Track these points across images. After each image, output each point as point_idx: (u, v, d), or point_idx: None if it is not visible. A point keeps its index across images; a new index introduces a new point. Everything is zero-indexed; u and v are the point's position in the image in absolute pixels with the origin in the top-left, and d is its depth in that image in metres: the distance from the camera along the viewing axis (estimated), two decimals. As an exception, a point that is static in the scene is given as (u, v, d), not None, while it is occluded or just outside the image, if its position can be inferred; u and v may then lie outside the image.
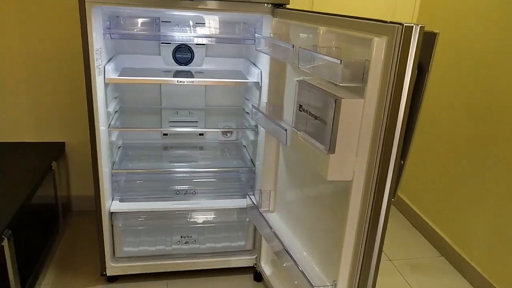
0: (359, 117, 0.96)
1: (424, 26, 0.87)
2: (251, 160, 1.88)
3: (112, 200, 1.71)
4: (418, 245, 2.17)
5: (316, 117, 1.04)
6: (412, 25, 0.86)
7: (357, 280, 1.07)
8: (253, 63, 1.80)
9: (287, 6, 1.44)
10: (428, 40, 0.89)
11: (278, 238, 1.39)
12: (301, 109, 1.11)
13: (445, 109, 2.07)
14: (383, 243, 1.03)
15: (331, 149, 0.98)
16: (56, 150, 2.00)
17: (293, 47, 1.14)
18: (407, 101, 0.92)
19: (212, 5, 1.43)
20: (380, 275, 1.91)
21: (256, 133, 1.76)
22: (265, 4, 1.45)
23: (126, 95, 1.95)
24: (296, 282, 1.20)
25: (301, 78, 1.18)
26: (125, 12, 1.65)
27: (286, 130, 1.20)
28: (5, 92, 1.98)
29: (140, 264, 1.73)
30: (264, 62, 1.60)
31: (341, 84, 0.94)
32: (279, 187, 1.59)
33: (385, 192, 0.99)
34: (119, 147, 1.94)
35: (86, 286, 1.71)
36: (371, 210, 1.00)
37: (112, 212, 1.66)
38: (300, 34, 1.27)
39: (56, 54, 1.95)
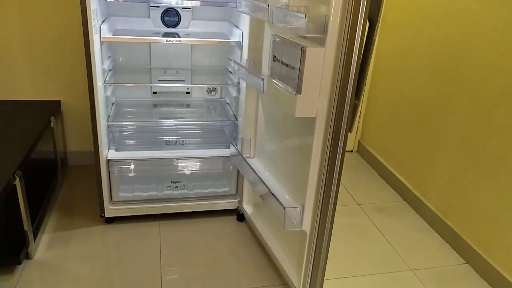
0: (321, 63, 1.16)
1: (372, -14, 1.07)
2: (234, 115, 2.08)
3: (109, 149, 1.90)
4: (384, 192, 2.43)
5: (286, 65, 1.24)
6: (363, -16, 1.06)
7: (321, 200, 1.29)
8: (235, 25, 1.97)
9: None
10: (375, -2, 1.09)
11: (256, 174, 1.61)
12: (275, 60, 1.31)
13: (409, 66, 2.29)
14: (342, 168, 1.25)
15: (298, 90, 1.18)
16: (52, 108, 2.16)
17: (268, 6, 1.32)
18: (360, 49, 1.13)
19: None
20: (350, 217, 2.17)
21: (239, 90, 1.95)
22: (245, -31, 1.62)
23: (119, 55, 2.11)
24: (272, 208, 1.42)
25: (275, 33, 1.37)
26: (117, -24, 1.80)
27: (263, 79, 1.40)
28: (4, 53, 2.12)
29: (135, 207, 1.94)
30: (245, 23, 1.78)
31: (306, 35, 1.13)
32: (258, 136, 1.80)
33: (342, 126, 1.20)
34: (112, 104, 2.11)
35: (88, 226, 1.92)
36: (331, 141, 1.22)
37: (109, 160, 1.85)
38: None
39: (52, 15, 2.09)
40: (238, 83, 1.96)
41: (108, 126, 1.89)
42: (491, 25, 1.74)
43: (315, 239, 1.36)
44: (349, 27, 1.09)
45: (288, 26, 1.23)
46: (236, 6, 1.77)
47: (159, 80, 2.17)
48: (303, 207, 1.33)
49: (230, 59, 2.14)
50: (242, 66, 1.61)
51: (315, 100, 1.20)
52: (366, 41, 1.13)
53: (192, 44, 2.14)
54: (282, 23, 1.25)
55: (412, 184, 2.31)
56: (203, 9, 2.08)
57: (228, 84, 2.14)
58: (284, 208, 1.33)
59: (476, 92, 1.83)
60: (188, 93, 2.26)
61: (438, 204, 2.10)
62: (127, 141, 1.99)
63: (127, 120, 2.00)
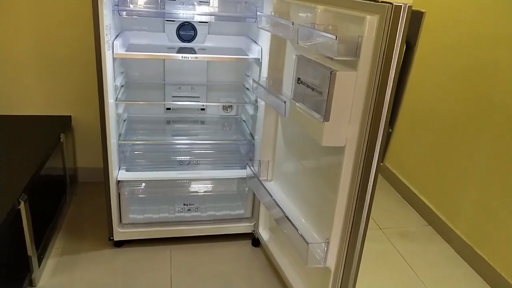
0: (352, 88, 1.06)
1: (411, 6, 0.96)
2: (251, 134, 1.98)
3: (119, 169, 1.81)
4: (407, 215, 2.30)
5: (313, 89, 1.14)
6: (401, 4, 0.95)
7: (348, 236, 1.18)
8: (253, 40, 1.88)
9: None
10: (416, 19, 0.99)
11: (276, 203, 1.50)
12: (299, 82, 1.21)
13: (438, 88, 2.17)
14: (372, 202, 1.14)
15: (326, 117, 1.08)
16: (63, 124, 2.09)
17: (293, 24, 1.23)
18: (395, 74, 1.02)
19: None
20: (371, 242, 2.05)
21: (256, 107, 1.86)
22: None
23: (132, 71, 2.03)
24: (293, 242, 1.31)
25: (299, 53, 1.27)
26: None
27: (285, 102, 1.30)
28: (17, 68, 2.05)
29: (145, 230, 1.85)
30: (264, 39, 1.68)
31: (336, 58, 1.03)
32: (277, 158, 1.69)
33: (374, 156, 1.09)
34: (124, 120, 2.03)
35: (95, 250, 1.83)
36: (362, 173, 1.11)
37: (119, 181, 1.76)
38: (300, 13, 1.36)
39: (65, 30, 2.02)
40: (256, 100, 1.86)
41: (119, 145, 1.80)
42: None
43: (340, 276, 1.25)
44: (385, 50, 0.99)
45: (315, 47, 1.13)
46: (255, 21, 1.69)
47: (173, 97, 2.08)
48: (328, 243, 1.22)
49: (248, 75, 2.05)
50: (262, 86, 1.51)
51: (345, 128, 1.10)
52: (402, 65, 1.02)
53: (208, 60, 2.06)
54: (308, 43, 1.15)
55: (437, 208, 2.17)
56: (220, 24, 1.99)
57: (245, 103, 2.05)
58: (307, 243, 1.22)
59: (509, 112, 1.71)
60: (203, 109, 2.17)
61: (467, 230, 1.96)
62: (138, 160, 1.90)
63: (139, 139, 1.91)
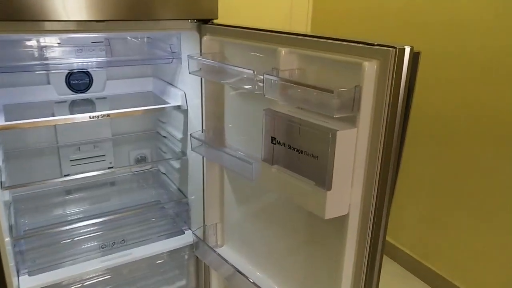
0: (353, 147, 0.88)
1: (413, 47, 0.82)
2: (179, 189, 1.68)
3: (19, 276, 1.34)
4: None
5: (301, 152, 0.93)
6: (405, 47, 0.81)
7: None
8: (169, 83, 1.58)
9: (215, 21, 1.28)
10: (414, 60, 0.85)
11: (242, 274, 1.25)
12: (274, 142, 0.99)
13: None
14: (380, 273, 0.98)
15: (328, 186, 0.88)
16: None
17: (254, 72, 1.00)
18: (400, 124, 0.87)
19: (121, 26, 1.18)
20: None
21: (184, 160, 1.57)
22: (189, 21, 1.27)
23: (12, 138, 1.56)
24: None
25: (265, 106, 1.05)
26: None
27: (252, 164, 1.06)
28: None
29: None
30: (187, 81, 1.42)
31: (335, 116, 0.84)
32: (228, 219, 1.44)
33: (382, 221, 0.93)
34: (10, 203, 1.54)
35: None
36: (370, 245, 0.94)
37: (22, 291, 1.31)
38: (246, 55, 1.14)
39: None
40: (183, 152, 1.57)
41: (14, 245, 1.34)
42: None
43: None
44: (390, 99, 0.83)
45: (294, 103, 0.92)
46: (171, 62, 1.41)
47: (71, 161, 1.66)
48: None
49: (163, 122, 1.74)
50: (207, 144, 1.25)
51: (347, 193, 0.91)
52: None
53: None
54: (284, 97, 0.94)
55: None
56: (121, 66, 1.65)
57: (169, 159, 1.73)
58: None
59: (446, 122, 1.74)
60: (111, 168, 1.79)
61: (411, 245, 1.97)
62: (43, 258, 1.45)
63: (38, 229, 1.46)
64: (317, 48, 0.93)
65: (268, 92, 0.97)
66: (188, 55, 1.23)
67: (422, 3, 1.73)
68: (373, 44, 0.83)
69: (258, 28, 1.07)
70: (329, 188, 0.88)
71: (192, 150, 1.32)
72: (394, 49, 0.80)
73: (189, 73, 1.24)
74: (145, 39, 1.56)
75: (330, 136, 0.84)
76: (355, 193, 0.92)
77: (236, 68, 1.06)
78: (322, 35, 0.92)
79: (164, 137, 1.74)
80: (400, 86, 0.83)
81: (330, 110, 0.84)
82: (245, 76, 1.03)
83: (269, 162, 1.02)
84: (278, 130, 0.97)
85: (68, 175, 1.70)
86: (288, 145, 0.95)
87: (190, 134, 1.31)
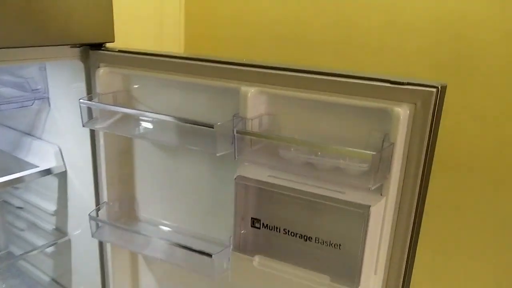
0: (379, 225, 0.64)
1: (446, 85, 0.64)
2: (56, 282, 1.17)
3: None
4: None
5: (308, 239, 0.64)
6: (439, 85, 0.61)
7: None
8: (26, 132, 1.08)
9: (109, 46, 0.89)
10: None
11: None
12: (257, 225, 0.67)
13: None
14: None
15: (356, 281, 0.62)
16: None
17: (214, 128, 0.66)
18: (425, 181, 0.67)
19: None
20: None
21: (65, 244, 1.09)
22: (69, 46, 0.85)
23: None
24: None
25: (238, 174, 0.72)
26: None
27: (212, 255, 0.72)
28: None
29: None
30: (62, 131, 0.98)
31: (372, 188, 0.58)
32: None
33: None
34: None
35: None
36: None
37: None
38: (173, 95, 0.79)
39: None
40: (61, 231, 1.09)
41: None
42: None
43: None
44: (427, 155, 0.63)
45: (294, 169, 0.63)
46: (32, 104, 0.96)
47: None
48: None
49: (16, 188, 1.20)
50: (116, 226, 0.84)
51: (371, 283, 0.67)
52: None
53: None
54: (274, 162, 0.64)
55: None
56: None
57: (39, 248, 1.20)
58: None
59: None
60: None
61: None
62: None
63: None
64: (310, 88, 0.66)
65: (243, 154, 0.66)
66: (80, 101, 0.81)
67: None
68: (402, 83, 0.61)
69: (200, 57, 0.75)
70: (358, 284, 0.63)
71: (92, 236, 0.88)
72: (436, 89, 0.60)
73: (83, 126, 0.82)
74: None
75: (364, 213, 0.59)
76: (377, 280, 0.68)
77: (179, 120, 0.71)
78: (317, 69, 0.66)
79: (20, 208, 1.20)
80: (436, 136, 0.63)
81: (364, 181, 0.58)
82: (196, 131, 0.69)
83: (246, 251, 0.70)
84: (265, 209, 0.67)
85: None
86: (285, 229, 0.66)
87: (89, 215, 0.87)
